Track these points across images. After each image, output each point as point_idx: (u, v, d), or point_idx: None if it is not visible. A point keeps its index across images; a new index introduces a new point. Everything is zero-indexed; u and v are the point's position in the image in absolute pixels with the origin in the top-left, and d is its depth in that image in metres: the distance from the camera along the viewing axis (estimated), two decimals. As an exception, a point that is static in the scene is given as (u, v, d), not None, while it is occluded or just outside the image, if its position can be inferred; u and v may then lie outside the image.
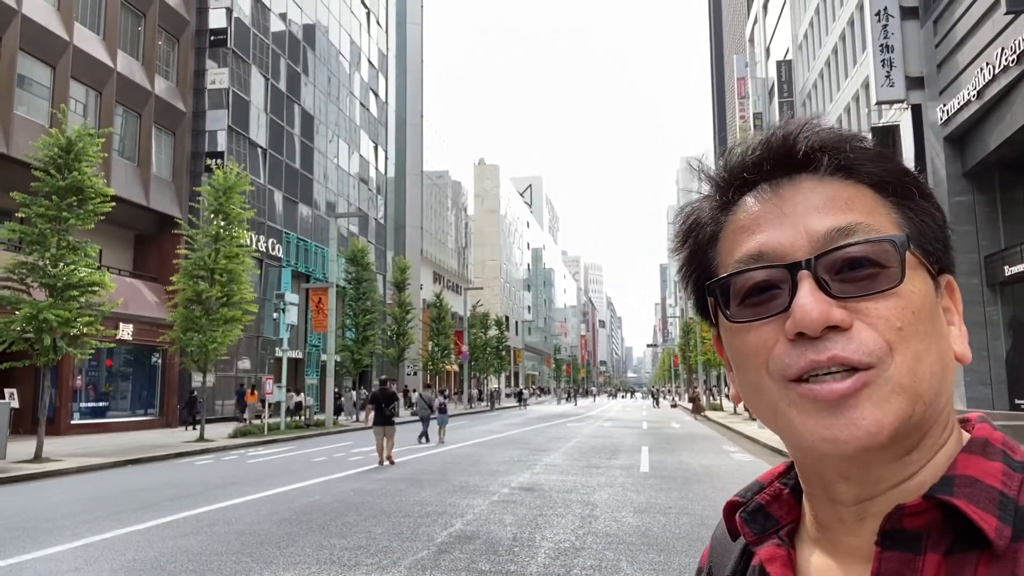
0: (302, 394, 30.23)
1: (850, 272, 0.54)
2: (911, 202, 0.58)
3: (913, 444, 0.54)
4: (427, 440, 19.83)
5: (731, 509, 0.66)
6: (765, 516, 0.64)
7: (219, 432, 21.89)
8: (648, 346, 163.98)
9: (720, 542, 0.71)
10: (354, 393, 34.15)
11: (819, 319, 0.52)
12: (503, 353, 62.46)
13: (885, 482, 0.55)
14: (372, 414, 15.21)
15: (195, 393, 27.00)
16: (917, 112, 19.82)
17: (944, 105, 18.17)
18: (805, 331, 0.52)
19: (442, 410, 20.52)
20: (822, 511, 0.59)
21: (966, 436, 0.58)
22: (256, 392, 27.30)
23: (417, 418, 22.51)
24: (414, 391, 44.93)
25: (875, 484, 0.55)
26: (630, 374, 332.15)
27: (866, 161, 0.58)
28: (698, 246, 0.64)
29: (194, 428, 22.78)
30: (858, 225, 0.55)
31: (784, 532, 0.63)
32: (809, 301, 0.52)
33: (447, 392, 28.38)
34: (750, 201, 0.60)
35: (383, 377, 17.34)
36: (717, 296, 0.59)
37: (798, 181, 0.58)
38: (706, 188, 0.65)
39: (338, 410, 27.75)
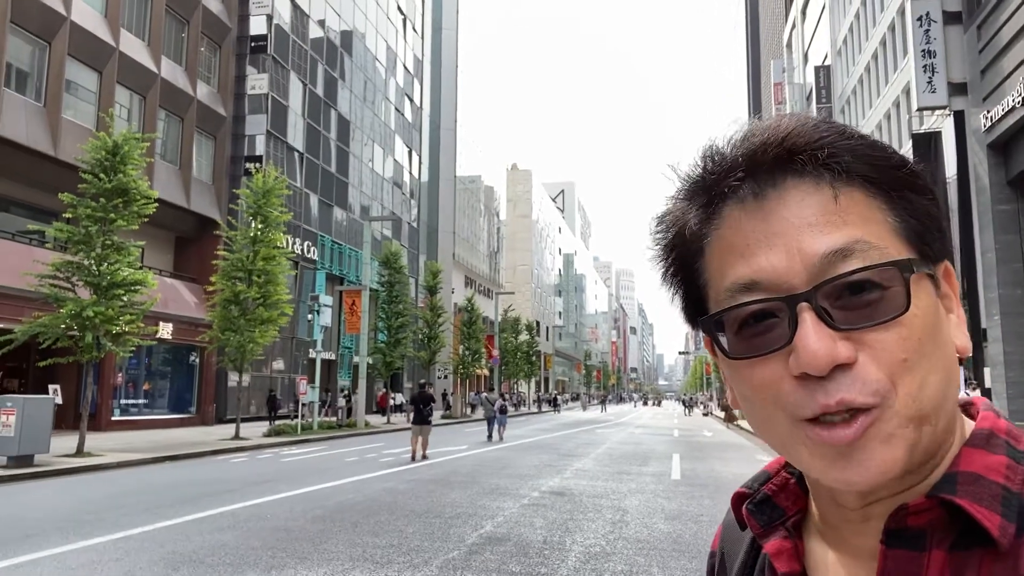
0: (354, 396, 30.61)
1: (851, 297, 0.51)
2: (906, 200, 0.55)
3: (926, 458, 0.54)
4: (500, 437, 22.65)
5: (739, 500, 0.66)
6: (772, 507, 0.63)
7: (254, 431, 22.25)
8: (680, 353, 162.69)
9: (730, 529, 0.71)
10: (399, 396, 34.53)
11: (825, 361, 0.50)
12: (533, 358, 62.42)
13: (892, 489, 0.54)
14: (412, 414, 16.90)
15: (273, 392, 28.88)
16: (959, 119, 19.45)
17: (988, 111, 17.80)
18: (811, 372, 0.50)
19: (502, 411, 23.32)
20: (828, 511, 0.59)
21: (969, 425, 0.58)
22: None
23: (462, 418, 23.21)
24: (452, 394, 45.20)
25: (881, 492, 0.55)
26: (661, 381, 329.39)
27: (855, 158, 0.54)
28: (682, 259, 0.61)
29: (272, 423, 23.98)
30: (856, 243, 0.52)
31: (791, 523, 0.63)
32: (813, 340, 0.50)
33: (505, 395, 29.58)
34: (735, 213, 0.56)
35: (422, 381, 19.52)
36: (711, 329, 0.57)
37: (783, 187, 0.55)
38: (688, 192, 0.61)
39: (349, 412, 28.25)
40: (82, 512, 8.81)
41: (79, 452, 14.58)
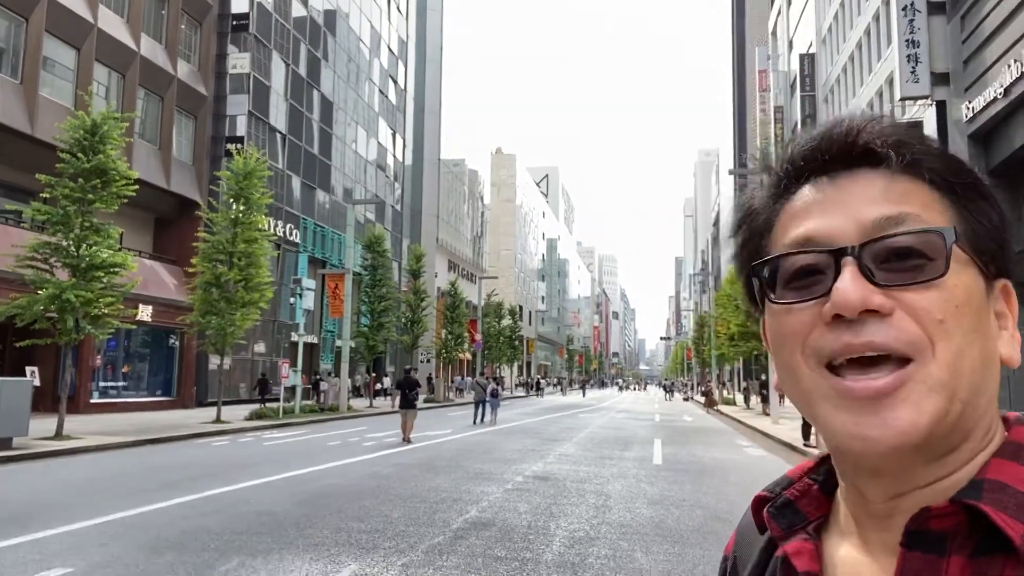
0: (328, 380, 30.53)
1: (896, 262, 0.53)
2: (968, 202, 0.57)
3: (951, 446, 0.54)
4: (482, 421, 23.28)
5: (759, 504, 0.66)
6: (793, 512, 0.64)
7: (235, 414, 22.14)
8: (661, 339, 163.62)
9: (745, 533, 0.71)
10: (358, 377, 34.48)
11: (856, 301, 0.52)
12: (516, 343, 62.56)
13: (917, 482, 0.54)
14: (398, 398, 17.86)
15: (265, 375, 29.16)
16: (941, 109, 19.59)
17: (969, 102, 17.95)
18: (842, 312, 0.52)
19: (494, 395, 24.00)
20: (853, 504, 0.59)
21: (1000, 437, 0.57)
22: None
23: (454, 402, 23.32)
24: (436, 378, 45.36)
25: (907, 483, 0.55)
26: (642, 366, 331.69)
27: (927, 157, 0.57)
28: (752, 234, 0.64)
29: (263, 405, 24.34)
30: (908, 216, 0.54)
31: (812, 527, 0.63)
32: (848, 284, 0.52)
33: (497, 380, 30.10)
34: (806, 190, 0.60)
35: (407, 367, 20.04)
36: (763, 278, 0.59)
37: (856, 174, 0.58)
38: (764, 178, 0.64)
39: (320, 395, 28.31)
40: (63, 496, 8.74)
41: (58, 435, 14.43)
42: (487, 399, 23.81)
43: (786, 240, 0.59)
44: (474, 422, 23.16)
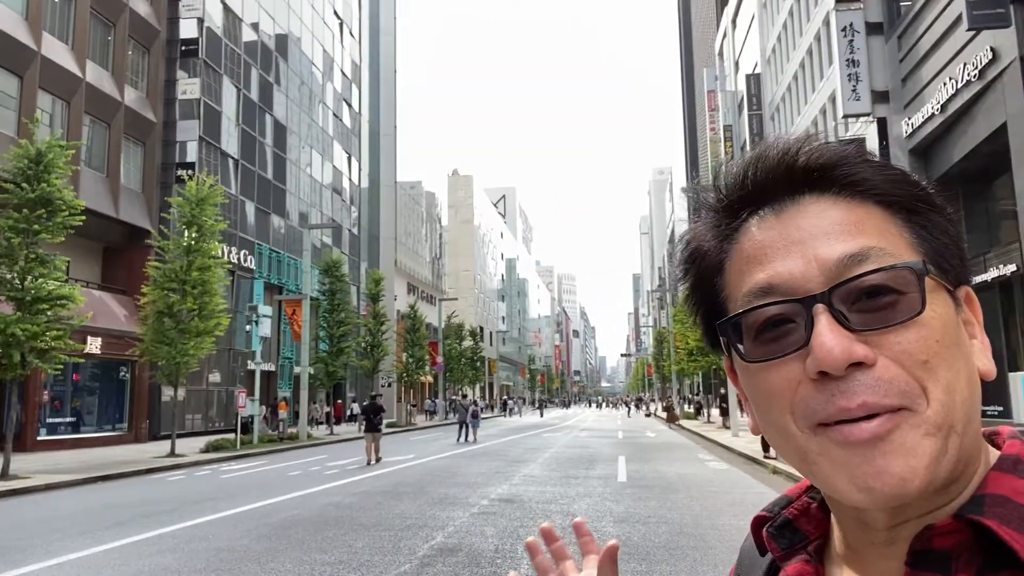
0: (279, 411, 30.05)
1: (867, 301, 0.51)
2: (923, 218, 0.56)
3: (952, 478, 0.53)
4: (465, 440, 25.65)
5: (758, 523, 0.65)
6: (792, 531, 0.62)
7: (190, 447, 21.55)
8: (622, 356, 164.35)
9: (748, 555, 0.70)
10: (315, 407, 34.20)
11: (841, 358, 0.50)
12: (478, 364, 62.34)
13: (920, 510, 0.53)
14: (364, 423, 19.43)
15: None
16: (883, 125, 20.30)
17: (909, 118, 18.64)
18: (828, 370, 0.50)
19: (475, 415, 26.51)
20: (852, 533, 0.58)
21: (995, 452, 0.57)
22: (287, 403, 29.55)
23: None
24: (398, 402, 44.97)
25: (909, 512, 0.54)
26: (604, 383, 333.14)
27: (872, 177, 0.56)
28: (702, 277, 0.61)
29: (275, 431, 25.40)
30: (870, 250, 0.52)
31: (812, 547, 0.61)
32: (829, 338, 0.50)
33: (478, 402, 30.68)
34: (753, 228, 0.57)
35: (373, 394, 21.83)
36: (729, 335, 0.57)
37: (802, 203, 0.56)
38: (705, 213, 0.62)
39: (279, 424, 27.80)
40: (11, 539, 8.37)
41: (3, 475, 13.87)
42: (469, 420, 26.28)
43: (745, 288, 0.56)
44: (458, 440, 25.69)
